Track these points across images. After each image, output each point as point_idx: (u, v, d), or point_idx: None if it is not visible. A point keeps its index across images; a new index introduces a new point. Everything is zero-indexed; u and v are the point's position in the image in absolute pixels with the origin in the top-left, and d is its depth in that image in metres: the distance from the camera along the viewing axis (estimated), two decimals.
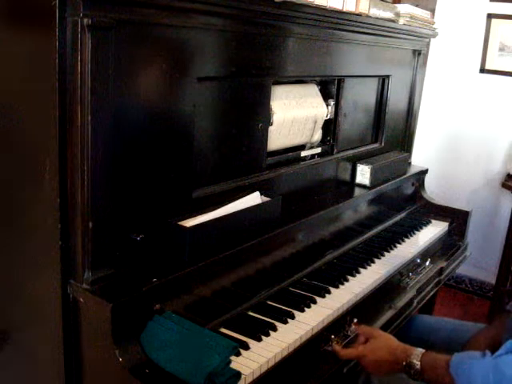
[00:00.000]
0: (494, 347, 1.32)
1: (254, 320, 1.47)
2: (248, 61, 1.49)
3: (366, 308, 1.70)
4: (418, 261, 2.09)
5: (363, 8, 1.77)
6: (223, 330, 1.40)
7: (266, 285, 1.59)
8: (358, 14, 1.76)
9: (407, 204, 2.52)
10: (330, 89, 1.98)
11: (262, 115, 1.61)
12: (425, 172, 2.59)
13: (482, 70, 3.39)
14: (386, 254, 2.03)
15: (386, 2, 2.07)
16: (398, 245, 2.14)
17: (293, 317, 1.50)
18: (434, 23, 2.42)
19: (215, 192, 1.49)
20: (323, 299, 1.62)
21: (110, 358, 1.11)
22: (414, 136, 2.88)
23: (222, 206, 1.46)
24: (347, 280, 1.76)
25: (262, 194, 1.59)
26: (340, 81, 1.97)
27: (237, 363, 1.25)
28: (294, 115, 1.76)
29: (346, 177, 2.13)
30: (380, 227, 2.25)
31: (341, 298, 1.65)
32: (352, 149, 2.16)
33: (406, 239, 2.22)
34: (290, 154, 1.85)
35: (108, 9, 1.07)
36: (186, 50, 1.29)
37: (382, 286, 1.82)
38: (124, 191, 1.22)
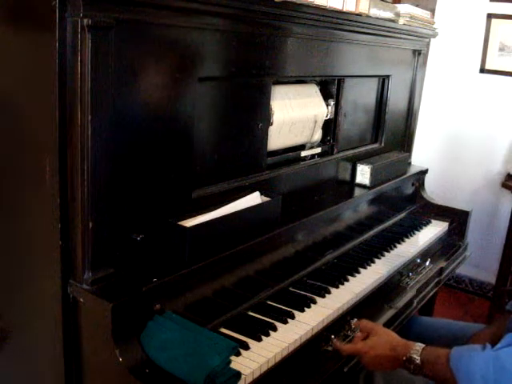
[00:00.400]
0: (493, 346, 1.32)
1: (254, 320, 1.47)
2: (248, 61, 1.49)
3: (365, 308, 1.70)
4: (418, 261, 2.09)
5: (363, 8, 1.77)
6: (223, 330, 1.40)
7: (265, 285, 1.59)
8: (358, 14, 1.76)
9: (407, 204, 2.52)
10: (330, 89, 1.98)
11: (261, 115, 1.61)
12: (425, 172, 2.59)
13: (482, 70, 3.39)
14: (385, 253, 2.03)
15: (386, 2, 2.07)
16: (397, 245, 2.14)
17: (293, 317, 1.50)
18: (434, 23, 2.42)
19: (215, 192, 1.49)
20: (323, 299, 1.62)
21: (110, 358, 1.11)
22: (413, 136, 2.88)
23: (222, 205, 1.46)
24: (347, 280, 1.76)
25: (261, 194, 1.60)
26: (340, 81, 1.97)
27: (237, 363, 1.25)
28: (294, 115, 1.76)
29: (346, 177, 2.13)
30: (380, 227, 2.25)
31: (341, 297, 1.65)
32: (352, 149, 2.16)
33: (405, 239, 2.22)
34: (290, 153, 1.85)
35: (108, 9, 1.07)
36: (186, 49, 1.29)
37: (382, 286, 1.82)
38: (124, 191, 1.22)
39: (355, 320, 1.56)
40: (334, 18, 1.69)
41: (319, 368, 1.43)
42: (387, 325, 1.72)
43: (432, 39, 2.55)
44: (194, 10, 1.25)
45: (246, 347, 1.33)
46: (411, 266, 2.04)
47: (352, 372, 1.53)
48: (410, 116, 2.52)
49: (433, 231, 2.36)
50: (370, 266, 1.90)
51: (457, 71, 3.48)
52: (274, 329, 1.43)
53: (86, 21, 1.04)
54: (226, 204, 1.47)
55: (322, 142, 2.01)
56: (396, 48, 2.23)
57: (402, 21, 2.09)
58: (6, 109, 1.23)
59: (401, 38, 2.20)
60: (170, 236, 1.33)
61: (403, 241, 2.19)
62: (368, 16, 1.84)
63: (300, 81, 1.87)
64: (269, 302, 1.57)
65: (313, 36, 1.69)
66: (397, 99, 2.36)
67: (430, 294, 2.09)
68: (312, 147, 1.96)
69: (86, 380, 1.23)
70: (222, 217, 1.41)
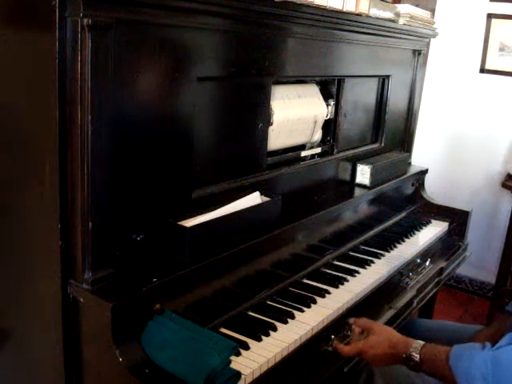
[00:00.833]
0: (493, 346, 1.31)
1: (254, 320, 1.47)
2: (248, 61, 1.49)
3: (365, 308, 1.70)
4: (418, 261, 2.09)
5: (363, 8, 1.77)
6: (223, 330, 1.40)
7: (265, 285, 1.59)
8: (358, 14, 1.76)
9: (407, 204, 2.52)
10: (330, 89, 1.98)
11: (261, 115, 1.61)
12: (425, 172, 2.59)
13: (482, 70, 3.39)
14: (385, 253, 2.03)
15: (386, 2, 2.07)
16: (398, 245, 2.14)
17: (293, 317, 1.50)
18: (434, 23, 2.42)
19: (215, 192, 1.49)
20: (323, 299, 1.63)
21: (110, 358, 1.11)
22: (414, 136, 2.88)
23: (222, 206, 1.46)
24: (347, 280, 1.76)
25: (261, 194, 1.60)
26: (340, 81, 1.97)
27: (237, 363, 1.25)
28: (294, 115, 1.76)
29: (346, 177, 2.13)
30: (380, 227, 2.25)
31: (341, 298, 1.65)
32: (352, 149, 2.16)
33: (406, 239, 2.22)
34: (290, 154, 1.85)
35: (108, 9, 1.07)
36: (185, 49, 1.29)
37: (382, 286, 1.82)
38: (124, 191, 1.22)
39: (352, 319, 1.56)
40: (334, 18, 1.69)
41: (319, 368, 1.43)
42: (387, 325, 1.71)
43: (432, 39, 2.55)
44: (193, 10, 1.25)
45: (246, 347, 1.33)
46: (411, 266, 2.04)
47: (352, 372, 1.53)
48: (410, 116, 2.52)
49: (433, 231, 2.36)
50: (369, 266, 1.91)
51: (457, 71, 3.48)
52: (274, 329, 1.43)
53: (85, 21, 1.04)
54: (226, 204, 1.47)
55: (322, 142, 2.01)
56: (396, 48, 2.23)
57: (401, 21, 2.09)
58: (5, 109, 1.23)
59: (401, 38, 2.20)
60: (169, 236, 1.33)
61: (403, 241, 2.19)
62: (368, 16, 1.84)
63: (300, 81, 1.87)
64: (269, 302, 1.57)
65: (313, 36, 1.69)
66: (397, 99, 2.36)
67: (430, 294, 2.09)
68: (312, 147, 1.96)
69: (86, 380, 1.23)
70: (222, 217, 1.41)
